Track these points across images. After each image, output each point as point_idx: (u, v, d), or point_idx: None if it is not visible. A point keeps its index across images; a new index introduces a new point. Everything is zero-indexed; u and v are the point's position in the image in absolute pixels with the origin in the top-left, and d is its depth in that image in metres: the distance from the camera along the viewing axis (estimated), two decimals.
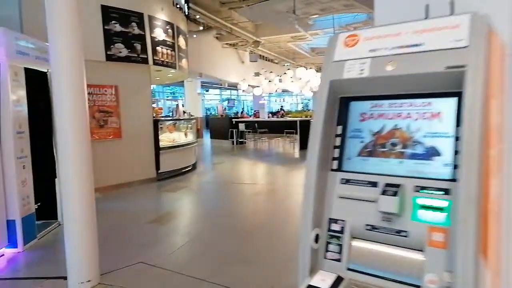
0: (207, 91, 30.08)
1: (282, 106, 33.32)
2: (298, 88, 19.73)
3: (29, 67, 3.82)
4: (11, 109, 3.38)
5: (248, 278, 2.84)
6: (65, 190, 2.70)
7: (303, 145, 11.83)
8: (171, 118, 9.15)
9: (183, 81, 19.04)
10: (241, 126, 13.23)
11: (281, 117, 16.95)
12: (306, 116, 15.92)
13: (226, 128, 14.09)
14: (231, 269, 3.00)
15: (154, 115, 7.17)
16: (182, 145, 7.63)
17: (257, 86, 18.19)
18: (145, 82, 6.80)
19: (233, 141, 13.89)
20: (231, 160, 9.96)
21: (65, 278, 2.72)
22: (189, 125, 8.38)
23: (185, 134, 7.90)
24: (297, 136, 11.94)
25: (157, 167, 6.92)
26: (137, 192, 6.02)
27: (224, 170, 8.33)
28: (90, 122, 6.08)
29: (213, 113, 29.06)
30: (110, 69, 6.24)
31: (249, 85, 19.32)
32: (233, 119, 14.20)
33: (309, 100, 39.47)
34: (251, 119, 14.73)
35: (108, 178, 6.10)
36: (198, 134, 18.31)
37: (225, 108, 23.97)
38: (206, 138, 16.82)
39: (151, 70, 7.14)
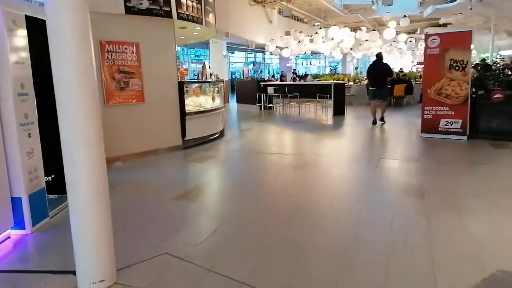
0: (232, 53, 29.06)
1: (306, 71, 31.93)
2: (328, 50, 18.49)
3: (33, 16, 3.19)
4: (9, 66, 2.79)
5: (299, 278, 2.25)
6: (67, 164, 2.12)
7: (337, 111, 10.98)
8: (197, 80, 8.49)
9: (208, 43, 18.16)
10: (270, 90, 12.44)
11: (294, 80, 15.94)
12: (339, 80, 14.92)
13: (253, 93, 13.32)
14: (275, 263, 2.42)
15: (179, 77, 6.51)
16: (210, 110, 7.00)
17: (285, 48, 17.11)
18: (169, 40, 6.10)
19: (260, 106, 13.16)
20: (259, 127, 9.30)
21: (75, 273, 2.22)
22: (217, 89, 7.70)
23: (213, 98, 7.24)
24: (331, 101, 11.07)
25: (183, 134, 6.36)
26: (161, 162, 5.51)
27: (253, 138, 7.70)
28: (109, 84, 5.53)
29: (238, 77, 28.20)
30: (130, 23, 5.56)
31: (276, 47, 18.24)
32: (261, 83, 13.38)
33: (337, 63, 37.71)
34: (280, 82, 13.85)
35: (129, 146, 5.60)
36: (224, 99, 17.69)
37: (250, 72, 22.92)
38: (232, 103, 16.14)
39: (175, 27, 6.41)
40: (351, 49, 22.77)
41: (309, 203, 3.62)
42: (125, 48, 5.52)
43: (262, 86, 13.17)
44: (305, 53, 20.49)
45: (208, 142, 6.93)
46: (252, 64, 32.75)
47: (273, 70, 34.97)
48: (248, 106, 13.86)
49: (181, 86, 6.26)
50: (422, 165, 5.02)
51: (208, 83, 7.56)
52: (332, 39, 16.36)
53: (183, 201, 3.70)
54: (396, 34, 17.31)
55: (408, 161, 5.23)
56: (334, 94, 10.95)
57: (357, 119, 10.36)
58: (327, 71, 34.99)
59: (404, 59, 30.80)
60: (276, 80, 25.34)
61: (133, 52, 5.61)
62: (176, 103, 6.22)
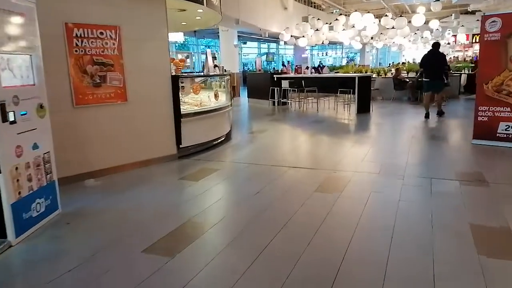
0: (244, 43, 27.69)
1: (320, 61, 30.26)
2: (348, 39, 16.99)
3: None
4: None
5: None
6: None
7: (362, 108, 9.62)
8: (196, 74, 7.23)
9: (218, 33, 16.87)
10: (284, 84, 11.12)
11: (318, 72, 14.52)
12: (360, 72, 13.49)
13: (266, 86, 12.03)
14: None
15: (174, 69, 5.29)
16: (212, 110, 5.77)
17: (301, 37, 15.68)
18: (159, 23, 4.85)
19: (274, 102, 11.88)
20: (273, 128, 8.03)
21: None
22: (222, 83, 6.46)
23: (216, 96, 6.00)
24: (354, 96, 9.71)
25: (178, 140, 5.15)
26: (145, 179, 4.32)
27: (265, 143, 6.44)
28: (79, 80, 4.32)
29: (251, 69, 26.82)
30: (108, 1, 4.35)
31: (292, 36, 16.83)
32: (274, 75, 12.06)
33: (355, 53, 35.88)
34: (296, 75, 12.51)
35: (107, 158, 4.43)
36: (235, 93, 16.40)
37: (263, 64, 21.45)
38: (243, 98, 14.89)
39: (171, 8, 5.19)
40: (371, 38, 21.18)
41: (355, 264, 2.36)
42: (101, 33, 4.30)
43: (276, 79, 11.86)
44: (322, 43, 19.00)
45: (211, 149, 5.71)
46: (265, 55, 31.31)
47: (287, 61, 33.50)
48: (260, 101, 12.59)
49: (176, 81, 5.03)
50: (495, 189, 3.69)
51: (211, 77, 6.31)
52: (353, 26, 14.86)
53: (157, 258, 2.49)
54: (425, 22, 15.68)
55: (472, 182, 3.90)
56: (358, 88, 9.57)
57: (385, 118, 8.98)
58: (344, 62, 33.31)
59: (428, 48, 28.97)
60: (292, 72, 23.98)
61: (111, 38, 4.39)
62: (169, 103, 5.00)
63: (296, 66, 25.11)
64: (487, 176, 4.04)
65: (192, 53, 22.84)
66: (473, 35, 29.87)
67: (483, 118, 5.60)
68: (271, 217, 3.12)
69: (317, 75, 12.25)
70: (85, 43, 4.19)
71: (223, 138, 6.35)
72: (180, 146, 5.18)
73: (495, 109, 5.48)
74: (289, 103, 11.68)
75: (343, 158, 5.14)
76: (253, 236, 2.80)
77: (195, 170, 4.64)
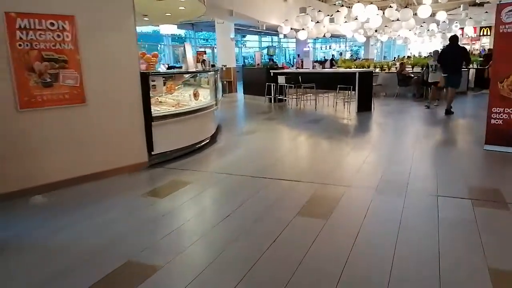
0: (243, 37, 26.93)
1: (333, 55, 29.41)
2: (351, 32, 16.23)
3: None
4: None
5: None
6: None
7: (362, 106, 8.95)
8: (170, 72, 6.54)
9: (214, 25, 16.16)
10: (281, 80, 10.44)
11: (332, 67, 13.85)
12: (363, 67, 12.78)
13: (262, 82, 11.37)
14: None
15: (145, 66, 4.66)
16: (192, 111, 5.15)
17: (301, 29, 14.95)
18: (124, 12, 4.21)
19: (270, 98, 11.22)
20: (266, 128, 7.40)
21: None
22: (205, 80, 5.83)
23: (195, 95, 5.37)
24: (355, 94, 9.03)
25: (149, 146, 4.54)
26: (103, 194, 3.72)
27: (254, 148, 5.81)
28: (25, 79, 3.59)
29: (252, 63, 26.06)
30: None
31: (291, 29, 16.10)
32: (271, 70, 11.38)
33: (360, 47, 34.96)
34: (293, 70, 11.82)
35: (59, 169, 3.82)
36: (231, 88, 15.70)
37: (264, 57, 20.68)
38: (240, 93, 14.23)
39: None
40: (375, 31, 20.36)
41: None
42: (52, 24, 3.68)
43: (272, 74, 11.19)
44: (323, 36, 18.24)
45: (190, 154, 5.10)
46: (267, 48, 30.53)
47: (290, 56, 32.67)
48: (256, 98, 11.94)
49: (145, 80, 4.40)
50: None
51: (190, 74, 5.68)
52: (356, 18, 14.11)
53: None
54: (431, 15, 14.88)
55: (487, 203, 3.26)
56: (359, 85, 8.89)
57: (387, 117, 8.30)
58: (348, 56, 32.47)
59: (433, 42, 28.01)
60: (290, 66, 23.18)
61: (65, 30, 3.77)
62: (138, 104, 4.38)
63: (298, 60, 24.38)
64: (506, 194, 3.39)
65: (196, 46, 22.14)
66: (481, 27, 28.96)
67: (497, 121, 4.93)
68: (233, 258, 2.49)
69: (315, 70, 11.57)
70: (32, 36, 3.57)
71: (207, 141, 5.74)
72: (152, 153, 4.57)
73: (511, 111, 4.82)
74: (287, 100, 11.02)
75: (336, 167, 4.50)
76: (210, 283, 2.19)
77: (164, 183, 4.02)
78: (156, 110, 4.64)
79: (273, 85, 11.01)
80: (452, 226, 2.85)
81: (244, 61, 26.73)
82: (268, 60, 19.69)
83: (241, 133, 6.90)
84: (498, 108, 4.91)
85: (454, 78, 7.81)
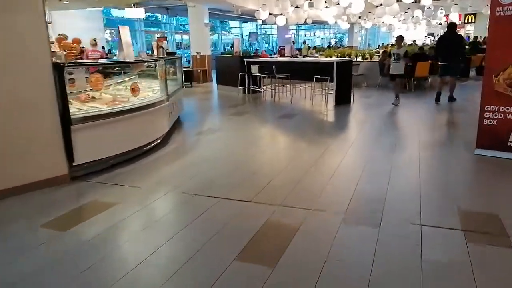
0: (222, 22, 25.73)
1: (305, 41, 28.32)
2: (332, 17, 15.36)
3: None
4: None
5: None
6: None
7: (341, 99, 8.18)
8: (93, 63, 5.52)
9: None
10: (254, 69, 9.57)
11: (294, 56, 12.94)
12: (344, 56, 11.98)
13: (236, 71, 10.48)
14: None
15: (62, 56, 3.72)
16: (128, 111, 4.26)
17: (280, 14, 14.00)
18: None
19: (244, 90, 10.35)
20: (231, 125, 6.57)
21: None
22: (150, 71, 4.93)
23: (133, 90, 4.46)
24: (333, 85, 8.23)
25: (69, 156, 3.65)
26: None
27: (211, 152, 4.96)
28: None
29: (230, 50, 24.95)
30: None
31: (270, 14, 15.11)
32: (244, 59, 10.48)
33: (344, 34, 34.09)
34: (268, 59, 10.94)
35: None
36: (206, 78, 14.68)
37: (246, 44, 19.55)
38: (215, 83, 13.30)
39: None
40: (359, 17, 19.53)
41: None
42: None
43: (246, 63, 10.30)
44: (305, 22, 17.30)
45: (130, 162, 4.24)
46: (248, 35, 29.41)
47: (274, 43, 31.58)
48: (229, 89, 11.05)
49: (60, 72, 3.49)
50: None
51: (124, 65, 4.76)
52: (338, 3, 13.24)
53: None
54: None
55: (484, 236, 2.52)
56: (337, 75, 8.09)
57: (367, 111, 7.56)
58: (332, 43, 31.63)
59: (418, 29, 27.36)
60: (272, 55, 22.19)
61: None
62: (50, 103, 3.47)
63: (280, 47, 23.32)
64: (506, 223, 2.65)
65: (165, 32, 20.95)
66: (466, 15, 28.44)
67: (490, 122, 4.20)
68: None
69: (289, 59, 10.69)
70: None
71: (155, 143, 4.88)
72: (74, 163, 3.69)
73: (508, 109, 4.08)
74: (262, 92, 10.16)
75: (300, 180, 3.69)
76: None
77: (79, 205, 3.17)
78: (78, 110, 3.74)
79: (247, 75, 10.13)
80: (440, 272, 2.10)
81: (224, 49, 25.62)
82: (247, 48, 18.70)
83: (201, 132, 6.03)
84: (492, 107, 4.17)
85: (454, 66, 7.64)
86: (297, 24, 30.86)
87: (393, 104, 7.86)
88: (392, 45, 21.84)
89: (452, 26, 7.88)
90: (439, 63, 7.88)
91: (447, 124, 6.29)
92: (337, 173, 3.85)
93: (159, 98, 4.97)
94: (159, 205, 3.22)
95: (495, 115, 4.16)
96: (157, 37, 5.67)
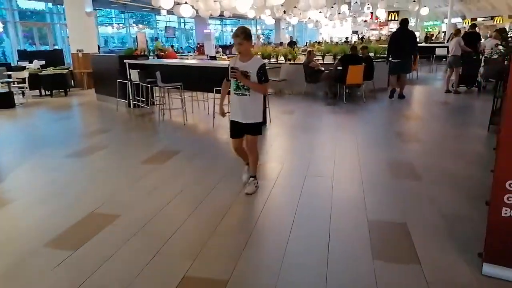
0: (122, 12, 22.08)
1: (231, 41, 25.83)
2: (249, 9, 12.99)
3: None
4: None
5: None
6: None
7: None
8: None
9: None
10: (133, 75, 6.77)
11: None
12: (268, 57, 9.65)
13: (114, 77, 7.55)
14: None
15: None
16: None
17: (184, 3, 11.22)
18: None
19: (128, 103, 7.50)
20: (46, 188, 3.77)
21: None
22: None
23: None
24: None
25: None
26: None
27: None
28: None
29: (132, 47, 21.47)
30: None
31: (176, 3, 12.27)
32: (124, 60, 7.58)
33: (270, 30, 32.20)
34: (153, 62, 8.11)
35: None
36: (89, 83, 11.17)
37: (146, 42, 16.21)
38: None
39: None
40: (284, 12, 17.50)
41: None
42: None
43: (128, 66, 7.41)
44: (221, 15, 14.69)
45: None
46: (164, 30, 26.03)
47: (192, 39, 28.51)
48: (109, 100, 8.08)
49: None
50: None
51: None
52: None
53: None
54: None
55: None
56: None
57: (288, 141, 5.22)
58: (260, 40, 29.52)
59: (344, 26, 26.31)
60: (190, 52, 19.27)
61: None
62: None
63: (199, 44, 20.37)
64: None
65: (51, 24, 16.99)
66: (389, 12, 28.10)
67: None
68: None
69: (180, 62, 8.03)
70: None
71: None
72: None
73: None
74: (158, 102, 7.37)
75: None
76: None
77: None
78: None
79: (129, 83, 7.28)
80: None
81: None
82: (153, 45, 15.51)
83: None
84: None
85: (406, 63, 7.67)
86: (221, 19, 28.29)
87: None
88: (319, 42, 20.19)
89: (404, 22, 7.71)
90: (391, 60, 7.69)
91: (392, 160, 4.11)
92: None
93: None
94: None
95: None
96: None
